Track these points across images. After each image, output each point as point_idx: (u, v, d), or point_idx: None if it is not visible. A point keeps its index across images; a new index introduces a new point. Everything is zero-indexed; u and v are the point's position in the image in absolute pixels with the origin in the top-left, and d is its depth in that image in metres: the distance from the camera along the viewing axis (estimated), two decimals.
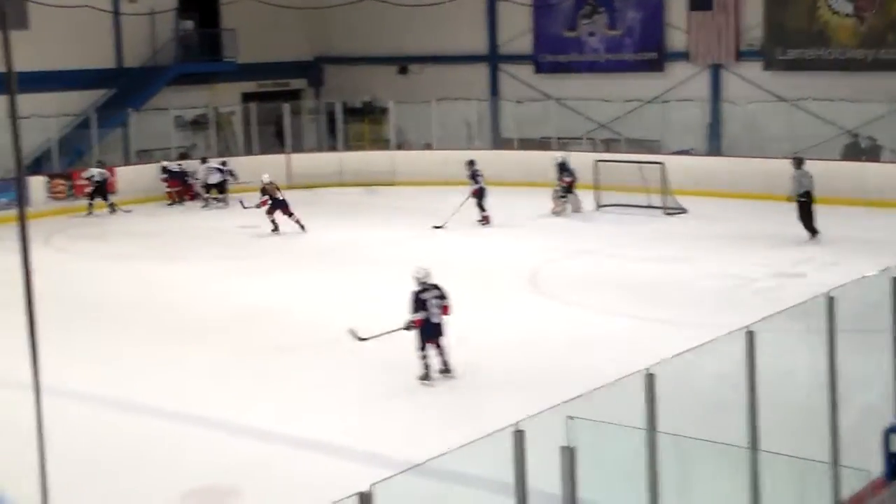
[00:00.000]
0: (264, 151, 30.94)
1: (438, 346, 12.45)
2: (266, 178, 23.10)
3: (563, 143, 28.88)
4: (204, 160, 27.67)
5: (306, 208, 26.28)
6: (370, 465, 9.79)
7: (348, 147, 31.70)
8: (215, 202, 26.97)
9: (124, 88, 30.20)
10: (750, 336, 7.53)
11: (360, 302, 16.72)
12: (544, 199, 24.33)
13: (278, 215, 22.62)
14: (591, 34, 31.48)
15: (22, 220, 6.78)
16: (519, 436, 6.30)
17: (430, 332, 12.35)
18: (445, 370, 12.52)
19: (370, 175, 29.07)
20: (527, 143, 30.05)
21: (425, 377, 12.37)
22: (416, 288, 12.35)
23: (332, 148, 31.65)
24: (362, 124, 34.24)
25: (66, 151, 27.86)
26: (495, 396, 11.91)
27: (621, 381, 7.27)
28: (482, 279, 18.03)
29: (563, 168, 23.96)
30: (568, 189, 23.89)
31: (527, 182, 27.62)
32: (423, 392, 12.30)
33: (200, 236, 23.23)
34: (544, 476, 6.70)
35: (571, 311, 15.98)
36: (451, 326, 12.74)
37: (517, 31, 32.38)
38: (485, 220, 22.56)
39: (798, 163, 20.50)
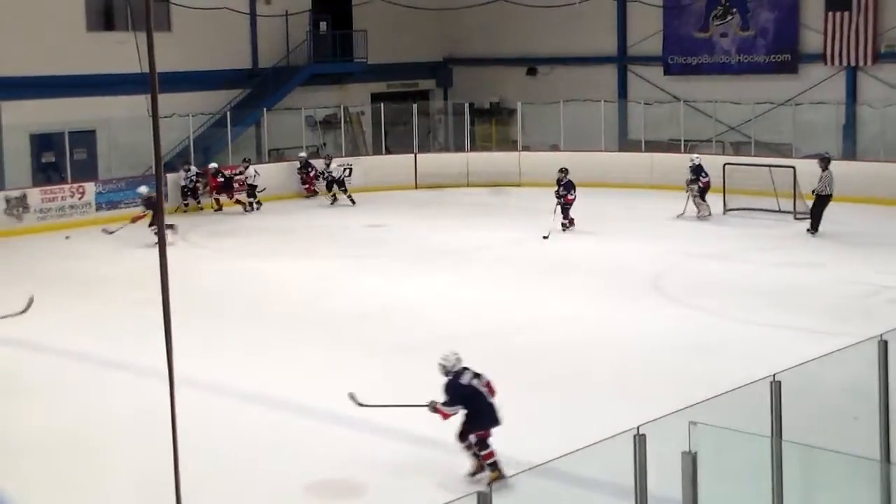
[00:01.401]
0: (392, 151, 31.29)
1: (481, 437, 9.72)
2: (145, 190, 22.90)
3: (692, 146, 28.49)
4: (328, 158, 28.02)
5: (432, 209, 26.58)
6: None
7: (475, 148, 31.84)
8: (336, 200, 27.28)
9: (258, 88, 30.90)
10: (884, 345, 7.35)
11: (485, 302, 16.81)
12: (670, 202, 24.05)
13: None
14: (723, 35, 31.00)
15: (160, 218, 7.04)
16: (640, 440, 6.28)
17: (489, 420, 9.74)
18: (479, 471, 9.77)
19: (497, 176, 29.13)
20: (654, 146, 29.73)
21: (500, 473, 9.45)
22: (448, 378, 9.85)
23: (460, 148, 31.84)
24: (490, 125, 34.34)
25: (203, 150, 28.62)
26: (615, 399, 11.84)
27: (746, 387, 7.18)
28: (606, 281, 17.96)
29: (699, 170, 23.61)
30: (704, 191, 23.55)
31: (652, 185, 27.37)
32: (544, 391, 12.29)
33: (329, 234, 23.61)
34: (664, 481, 6.67)
35: (696, 315, 15.77)
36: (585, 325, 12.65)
37: (647, 32, 32.08)
38: (570, 224, 22.22)
39: (826, 163, 21.35)
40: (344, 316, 16.20)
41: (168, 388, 7.03)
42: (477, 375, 9.85)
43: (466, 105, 31.57)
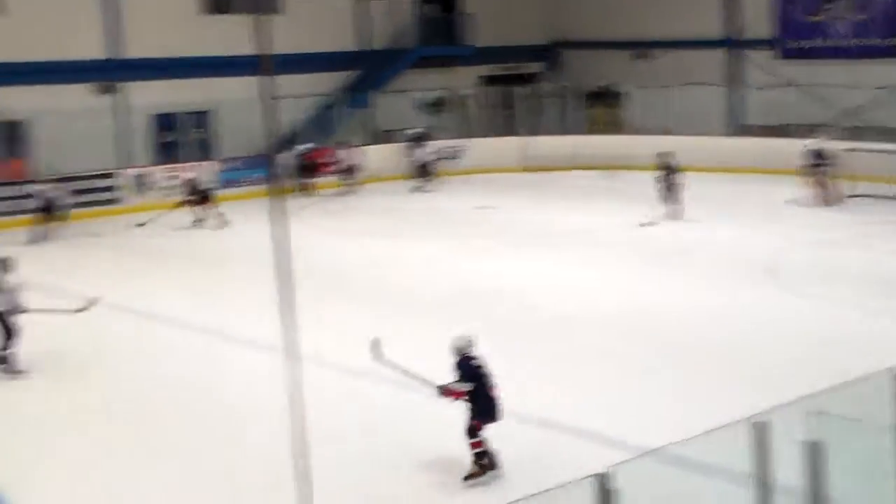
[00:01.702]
0: (499, 134, 31.31)
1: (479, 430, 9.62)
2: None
3: (807, 131, 27.91)
4: (419, 139, 27.89)
5: (540, 191, 26.56)
6: (607, 447, 9.85)
7: (583, 131, 31.68)
8: (426, 184, 27.31)
9: (368, 70, 31.20)
10: None
11: (593, 287, 16.78)
12: (783, 187, 23.64)
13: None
14: (838, 18, 30.25)
15: (274, 196, 7.19)
16: (760, 427, 6.25)
17: (488, 411, 9.61)
18: (492, 466, 9.69)
19: (605, 159, 28.94)
20: (766, 130, 29.20)
21: (483, 471, 9.59)
22: (458, 357, 9.73)
23: (568, 132, 31.71)
24: (598, 109, 34.13)
25: (314, 131, 29.02)
26: (732, 387, 11.73)
27: (868, 378, 7.08)
28: (720, 268, 17.75)
29: (818, 154, 23.10)
30: (823, 176, 23.03)
31: (765, 169, 26.90)
32: (658, 377, 12.24)
33: (438, 215, 23.77)
34: (783, 469, 6.62)
35: (814, 303, 15.47)
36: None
37: (758, 15, 31.48)
38: (669, 215, 21.58)
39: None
40: (451, 296, 16.33)
41: (289, 362, 7.23)
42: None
43: (575, 88, 31.40)
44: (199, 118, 27.79)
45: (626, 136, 30.20)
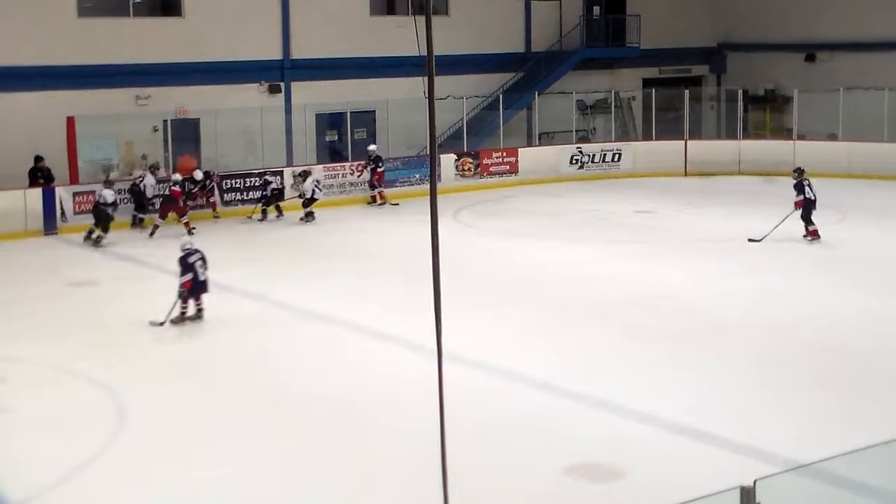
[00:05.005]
0: (662, 137, 30.92)
1: (199, 300, 14.91)
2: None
3: None
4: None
5: (702, 196, 26.11)
6: (753, 459, 9.67)
7: (748, 135, 30.99)
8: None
9: (531, 72, 31.25)
10: None
11: (752, 295, 16.44)
12: None
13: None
14: None
15: (433, 196, 7.29)
16: None
17: (198, 289, 14.78)
18: (199, 316, 14.96)
19: (770, 165, 28.23)
20: None
21: (177, 320, 14.71)
22: (181, 254, 14.78)
23: (732, 136, 31.06)
24: (763, 112, 33.33)
25: (475, 132, 29.24)
26: (880, 405, 11.36)
27: None
28: (888, 278, 17.15)
29: None
30: None
31: None
32: (814, 389, 11.96)
33: (598, 218, 23.65)
34: None
35: None
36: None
37: None
38: (812, 236, 20.00)
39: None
40: (607, 300, 16.25)
41: (436, 362, 7.33)
42: (203, 259, 14.81)
43: (740, 91, 30.78)
44: (363, 118, 28.31)
45: (792, 142, 29.31)
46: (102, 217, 21.21)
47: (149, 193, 22.76)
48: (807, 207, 20.02)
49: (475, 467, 9.59)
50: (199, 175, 23.01)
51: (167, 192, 22.33)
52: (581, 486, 9.64)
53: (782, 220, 19.97)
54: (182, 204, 22.23)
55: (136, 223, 22.75)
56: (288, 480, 9.83)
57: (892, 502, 6.61)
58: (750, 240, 20.06)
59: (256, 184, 24.41)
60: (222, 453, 10.50)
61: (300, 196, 23.38)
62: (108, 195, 21.43)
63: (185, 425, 11.29)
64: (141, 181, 22.75)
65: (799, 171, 20.49)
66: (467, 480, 8.58)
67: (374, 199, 25.43)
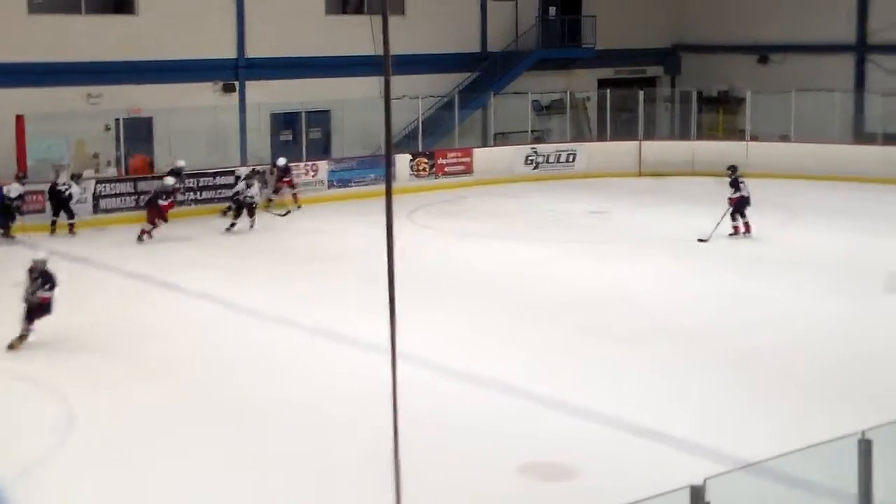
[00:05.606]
0: (616, 138, 31.07)
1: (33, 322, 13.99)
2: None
3: None
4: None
5: (655, 196, 26.29)
6: (709, 460, 9.75)
7: (701, 136, 31.24)
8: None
9: (487, 72, 31.28)
10: None
11: (704, 295, 16.57)
12: None
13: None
14: None
15: (388, 196, 7.30)
16: (865, 445, 6.12)
17: (48, 308, 13.92)
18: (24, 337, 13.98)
19: (722, 165, 28.28)
20: (892, 139, 28.39)
21: (15, 344, 13.83)
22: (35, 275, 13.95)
23: (686, 136, 31.30)
24: (717, 113, 33.61)
25: (431, 132, 29.24)
26: (838, 402, 11.51)
27: None
28: (834, 279, 17.36)
29: None
30: None
31: (888, 178, 26.21)
32: (771, 390, 12.08)
33: (551, 218, 23.73)
34: (888, 489, 6.47)
35: None
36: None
37: (891, 19, 30.58)
38: (740, 231, 20.45)
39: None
40: (563, 300, 16.30)
41: (391, 364, 7.34)
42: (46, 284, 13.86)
43: (694, 92, 31.04)
44: (318, 117, 28.21)
45: (744, 143, 29.58)
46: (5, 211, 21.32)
47: (74, 201, 22.05)
48: (741, 204, 20.46)
49: (430, 466, 9.59)
50: (170, 181, 22.30)
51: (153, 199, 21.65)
52: (535, 485, 9.68)
53: (722, 218, 20.32)
54: (159, 210, 21.45)
55: (55, 229, 21.93)
56: (241, 481, 9.78)
57: (842, 499, 6.70)
58: (699, 240, 20.23)
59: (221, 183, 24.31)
60: (174, 455, 10.43)
61: (252, 198, 22.82)
62: (14, 189, 21.46)
63: (135, 428, 11.18)
64: (67, 189, 21.95)
65: (733, 169, 20.98)
66: (421, 479, 8.58)
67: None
